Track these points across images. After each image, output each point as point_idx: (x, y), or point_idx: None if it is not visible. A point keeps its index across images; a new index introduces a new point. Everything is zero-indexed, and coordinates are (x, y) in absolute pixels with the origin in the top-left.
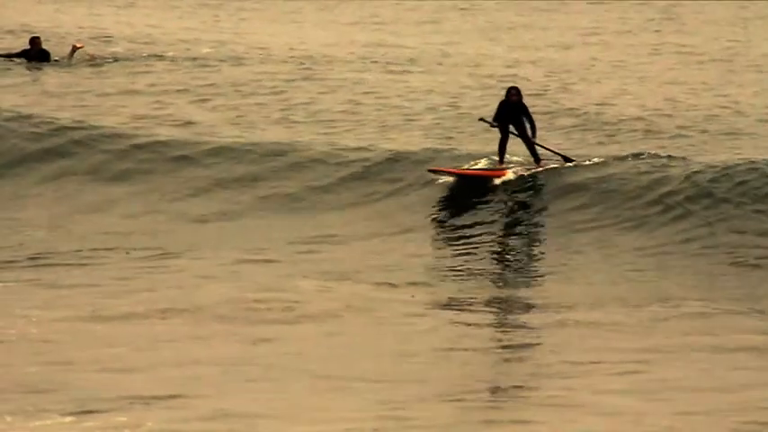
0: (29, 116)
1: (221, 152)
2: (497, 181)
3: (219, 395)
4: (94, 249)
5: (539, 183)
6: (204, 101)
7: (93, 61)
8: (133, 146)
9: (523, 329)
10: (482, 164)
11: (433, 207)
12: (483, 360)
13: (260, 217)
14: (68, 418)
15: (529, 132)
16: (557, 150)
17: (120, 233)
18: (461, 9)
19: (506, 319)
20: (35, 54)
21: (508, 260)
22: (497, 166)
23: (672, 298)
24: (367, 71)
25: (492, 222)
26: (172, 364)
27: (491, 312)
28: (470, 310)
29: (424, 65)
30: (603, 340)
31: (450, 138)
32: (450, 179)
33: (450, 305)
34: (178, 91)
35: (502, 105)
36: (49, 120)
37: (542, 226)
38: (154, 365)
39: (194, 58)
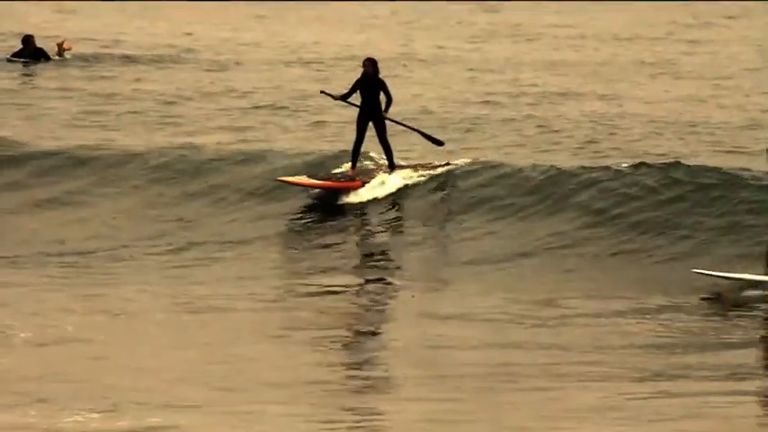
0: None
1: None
2: (350, 195)
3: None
4: (131, 247)
5: (390, 196)
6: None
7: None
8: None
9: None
10: (342, 168)
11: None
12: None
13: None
14: (96, 415)
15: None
16: (422, 130)
17: (158, 233)
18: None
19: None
20: (31, 53)
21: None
22: (349, 174)
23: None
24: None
25: (340, 241)
26: (204, 364)
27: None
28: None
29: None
30: None
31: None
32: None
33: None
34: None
35: (357, 82)
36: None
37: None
38: (187, 366)
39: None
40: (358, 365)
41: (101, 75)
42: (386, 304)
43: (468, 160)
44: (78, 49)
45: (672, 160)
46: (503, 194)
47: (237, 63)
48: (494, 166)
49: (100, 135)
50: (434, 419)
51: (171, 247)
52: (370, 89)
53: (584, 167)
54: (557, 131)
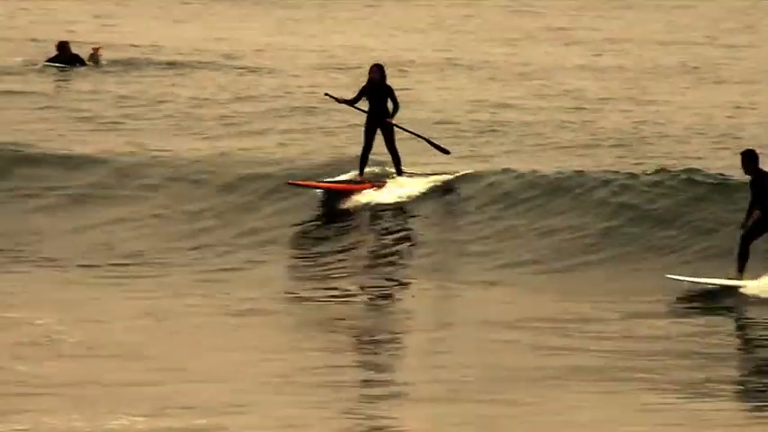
0: None
1: None
2: (357, 196)
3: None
4: (164, 251)
5: (397, 200)
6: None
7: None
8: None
9: None
10: (349, 175)
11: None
12: None
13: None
14: (141, 418)
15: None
16: (428, 138)
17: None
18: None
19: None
20: (66, 59)
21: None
22: (358, 179)
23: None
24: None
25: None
26: (249, 366)
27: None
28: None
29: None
30: None
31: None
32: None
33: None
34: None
35: (363, 89)
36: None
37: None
38: (232, 369)
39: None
40: (386, 370)
41: (136, 79)
42: (410, 309)
43: (497, 168)
44: (115, 54)
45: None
46: (521, 198)
47: (273, 68)
48: (508, 172)
49: (131, 138)
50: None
51: (203, 250)
52: (378, 95)
53: (613, 171)
54: (594, 136)
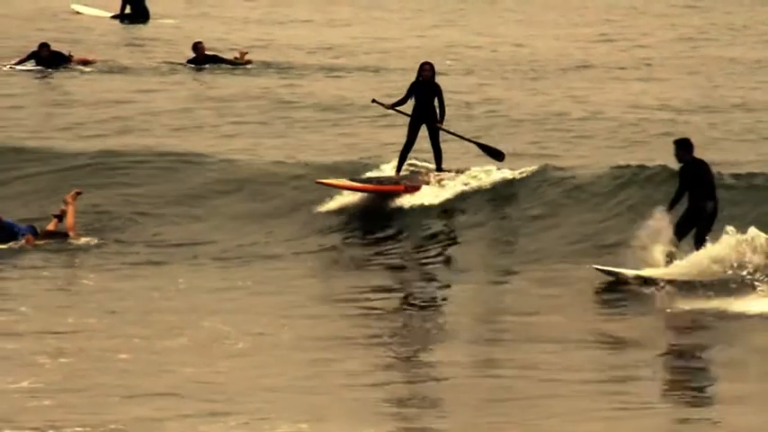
0: None
1: None
2: (397, 200)
3: None
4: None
5: (438, 200)
6: None
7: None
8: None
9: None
10: (387, 171)
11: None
12: None
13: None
14: (305, 425)
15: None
16: (480, 142)
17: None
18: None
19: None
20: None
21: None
22: (394, 178)
23: None
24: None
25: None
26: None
27: None
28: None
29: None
30: None
31: None
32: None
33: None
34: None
35: (413, 86)
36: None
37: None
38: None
39: None
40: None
41: (285, 80)
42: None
43: (535, 167)
44: (262, 56)
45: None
46: (558, 201)
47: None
48: (544, 172)
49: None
50: None
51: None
52: (426, 94)
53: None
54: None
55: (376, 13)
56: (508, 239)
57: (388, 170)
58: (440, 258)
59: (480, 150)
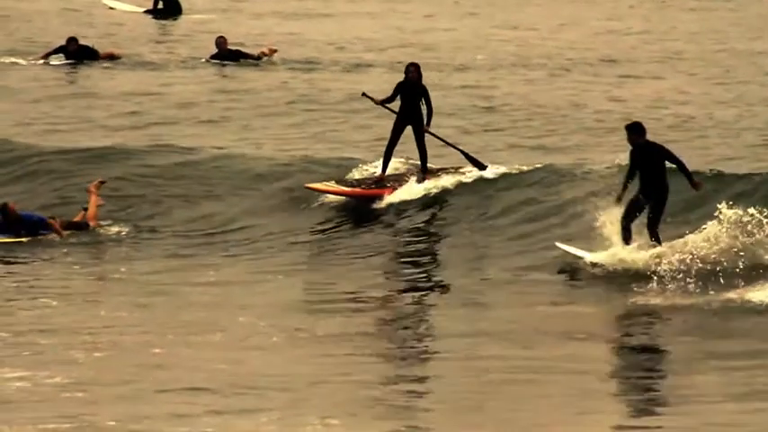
0: None
1: None
2: (380, 203)
3: None
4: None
5: (421, 202)
6: None
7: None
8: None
9: None
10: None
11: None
12: None
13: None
14: (336, 422)
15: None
16: (465, 151)
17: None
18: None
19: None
20: (224, 55)
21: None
22: (379, 177)
23: None
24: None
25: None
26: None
27: None
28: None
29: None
30: None
31: None
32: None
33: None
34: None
35: (399, 86)
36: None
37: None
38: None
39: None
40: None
41: (308, 76)
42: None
43: (526, 166)
44: (290, 52)
45: None
46: (542, 198)
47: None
48: (532, 172)
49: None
50: None
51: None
52: (412, 95)
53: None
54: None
55: (406, 7)
56: (495, 238)
57: (372, 169)
58: (423, 262)
59: (465, 159)
